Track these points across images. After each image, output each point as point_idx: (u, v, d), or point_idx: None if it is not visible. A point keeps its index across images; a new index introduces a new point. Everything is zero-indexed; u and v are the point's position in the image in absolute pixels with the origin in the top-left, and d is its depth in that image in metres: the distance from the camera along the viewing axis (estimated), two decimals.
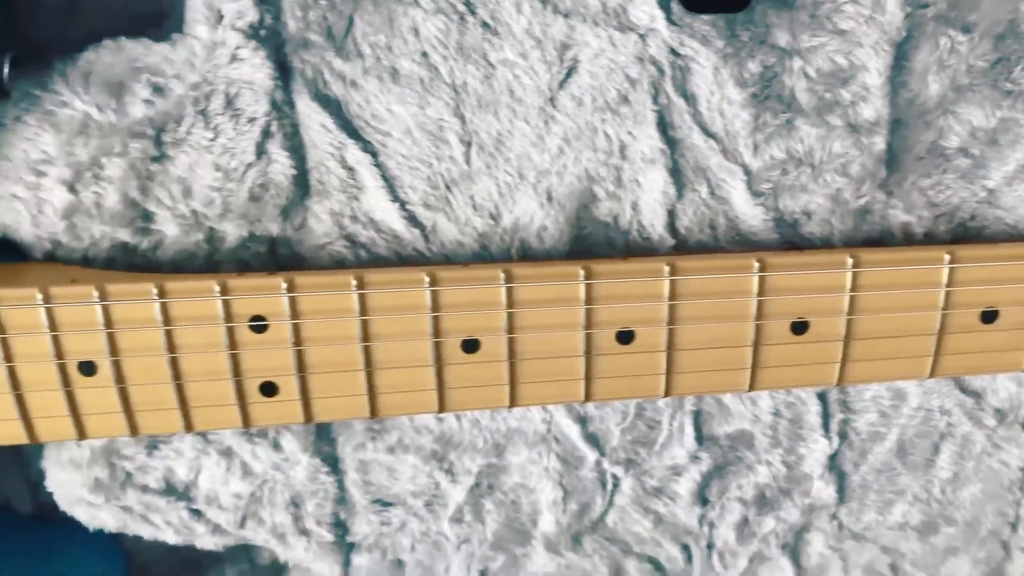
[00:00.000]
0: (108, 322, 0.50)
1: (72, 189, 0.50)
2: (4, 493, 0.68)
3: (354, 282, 0.50)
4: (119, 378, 0.51)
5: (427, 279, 0.50)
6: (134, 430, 0.53)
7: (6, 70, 0.49)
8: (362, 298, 0.50)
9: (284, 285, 0.50)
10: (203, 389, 0.52)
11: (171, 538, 0.62)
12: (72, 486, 0.60)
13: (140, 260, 0.54)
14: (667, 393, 0.54)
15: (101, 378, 0.51)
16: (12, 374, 0.51)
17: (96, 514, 0.60)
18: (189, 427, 0.53)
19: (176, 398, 0.52)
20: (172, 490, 0.60)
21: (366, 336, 0.51)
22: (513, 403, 0.54)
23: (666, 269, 0.51)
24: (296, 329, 0.51)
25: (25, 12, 0.54)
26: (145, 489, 0.60)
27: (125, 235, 0.52)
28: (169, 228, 0.52)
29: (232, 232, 0.53)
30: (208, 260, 0.54)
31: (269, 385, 0.52)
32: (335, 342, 0.51)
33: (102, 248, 0.53)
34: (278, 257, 0.55)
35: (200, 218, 0.52)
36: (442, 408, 0.54)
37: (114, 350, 0.50)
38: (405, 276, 0.51)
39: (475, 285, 0.51)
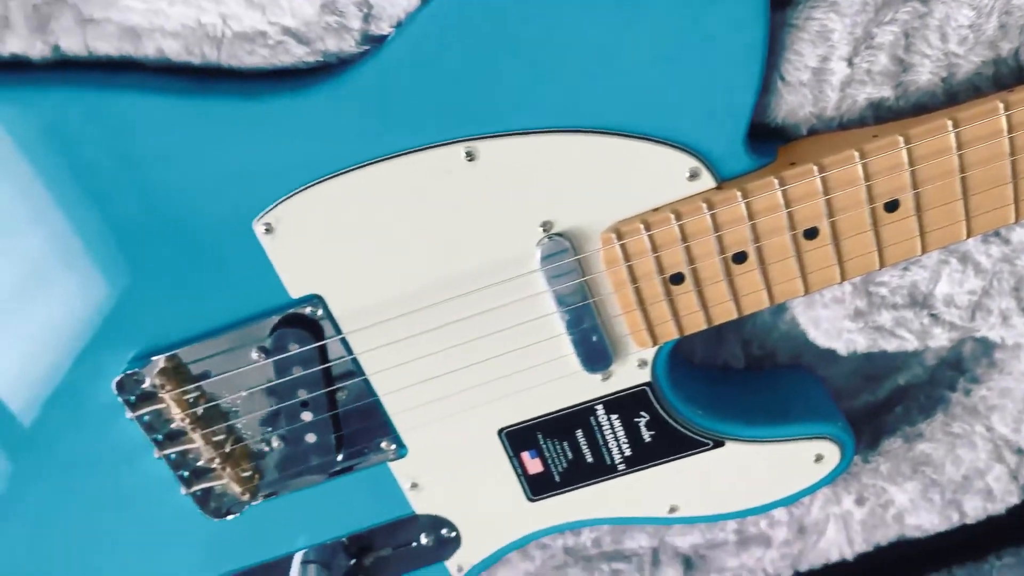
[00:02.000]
0: (911, 161, 0.60)
1: (850, 63, 0.61)
2: (723, 356, 0.82)
3: None
4: (917, 207, 0.62)
5: None
6: (924, 248, 0.64)
7: None
8: None
9: None
10: (986, 198, 0.62)
11: (911, 344, 0.73)
12: (834, 320, 0.72)
13: (884, 113, 0.64)
14: None
15: (902, 212, 0.62)
16: (834, 228, 0.62)
17: (853, 339, 0.73)
18: (969, 234, 0.64)
19: (963, 212, 0.62)
20: (915, 302, 0.72)
21: None
22: None
23: None
24: None
25: None
26: (895, 307, 0.71)
27: (886, 91, 0.62)
28: (922, 76, 0.62)
29: (970, 63, 0.62)
30: (945, 94, 0.63)
31: None
32: None
33: (854, 112, 0.63)
34: (1000, 77, 0.63)
35: (951, 58, 0.61)
36: None
37: (915, 183, 0.61)
38: None
39: None
